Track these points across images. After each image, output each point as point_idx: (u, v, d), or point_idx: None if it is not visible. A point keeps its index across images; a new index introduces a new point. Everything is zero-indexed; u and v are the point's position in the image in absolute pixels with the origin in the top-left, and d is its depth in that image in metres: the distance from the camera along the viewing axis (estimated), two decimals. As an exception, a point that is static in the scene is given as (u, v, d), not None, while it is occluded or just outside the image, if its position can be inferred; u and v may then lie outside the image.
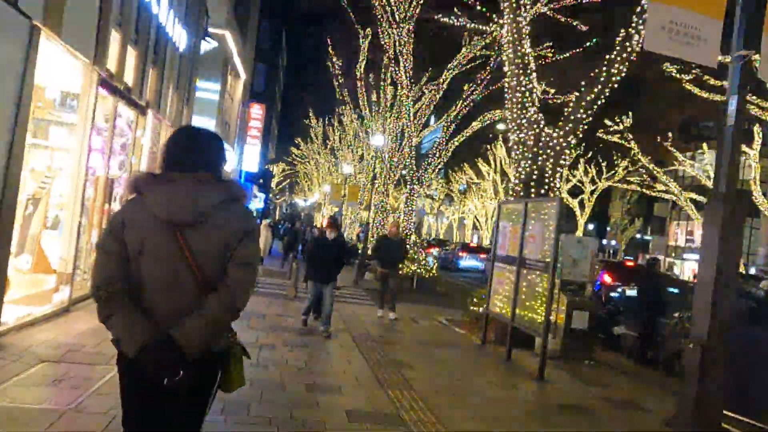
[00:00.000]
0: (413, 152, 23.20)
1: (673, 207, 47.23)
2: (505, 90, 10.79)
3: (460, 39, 21.64)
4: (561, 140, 10.02)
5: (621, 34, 9.72)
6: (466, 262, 34.15)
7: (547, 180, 10.04)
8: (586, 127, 10.09)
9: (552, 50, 17.48)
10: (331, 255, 9.19)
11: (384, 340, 9.17)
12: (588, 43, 17.54)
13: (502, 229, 9.77)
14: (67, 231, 8.20)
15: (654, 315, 9.74)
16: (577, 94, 10.07)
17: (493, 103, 24.46)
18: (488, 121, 23.98)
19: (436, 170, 24.84)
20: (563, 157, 10.12)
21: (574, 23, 16.12)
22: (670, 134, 25.62)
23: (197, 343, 2.25)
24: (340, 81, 28.66)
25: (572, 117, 9.99)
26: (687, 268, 46.52)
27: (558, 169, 10.14)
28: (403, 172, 27.74)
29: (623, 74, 9.77)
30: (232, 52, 21.84)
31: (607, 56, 9.82)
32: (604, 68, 9.78)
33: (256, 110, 29.55)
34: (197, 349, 2.26)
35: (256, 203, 46.44)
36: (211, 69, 19.40)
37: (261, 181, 53.36)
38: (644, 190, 32.27)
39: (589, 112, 9.95)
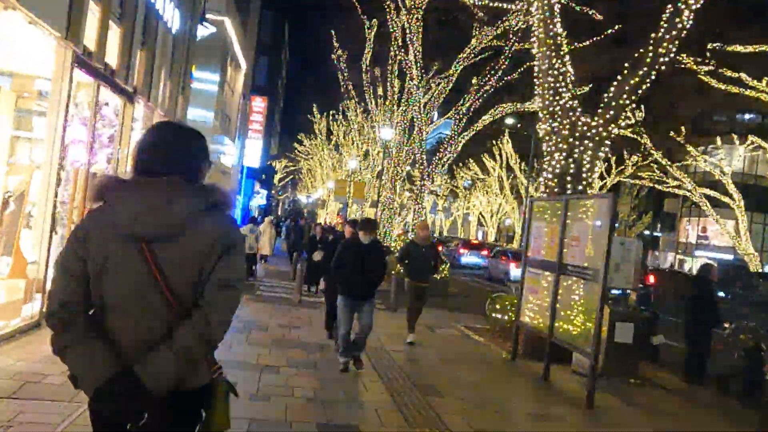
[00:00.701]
0: (423, 146, 22.07)
1: (684, 203, 46.09)
2: (535, 75, 9.66)
3: (469, 29, 20.66)
4: (600, 129, 8.89)
5: (668, 10, 8.61)
6: (467, 258, 34.31)
7: (584, 174, 8.92)
8: (629, 115, 8.95)
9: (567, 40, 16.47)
10: (369, 264, 6.97)
11: (403, 357, 8.05)
12: (610, 30, 16.61)
13: (535, 230, 8.65)
14: (38, 231, 7.11)
15: (707, 328, 8.62)
16: (619, 77, 8.93)
17: (505, 96, 23.53)
18: (499, 115, 22.89)
19: (445, 165, 23.74)
20: (602, 148, 9.00)
21: (590, 12, 15.11)
22: (683, 128, 24.69)
23: (165, 380, 1.93)
24: (345, 75, 27.67)
25: (613, 103, 8.85)
26: (698, 266, 45.16)
27: (596, 162, 9.03)
28: (408, 168, 26.74)
29: (672, 54, 8.65)
30: (232, 41, 20.70)
31: (653, 35, 8.69)
32: (650, 48, 8.65)
33: (258, 103, 28.38)
34: (165, 387, 1.93)
35: (258, 200, 45.44)
36: (209, 57, 18.28)
37: (263, 177, 52.42)
38: (656, 186, 31.20)
39: (633, 97, 8.82)
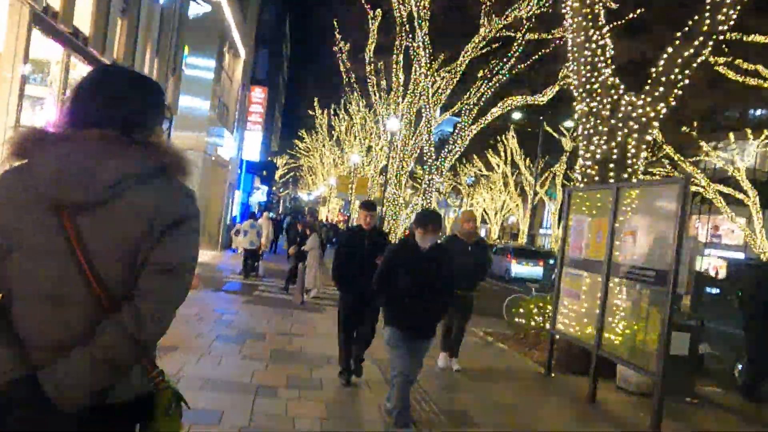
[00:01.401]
0: (431, 137, 21.00)
1: (693, 199, 44.96)
2: (569, 49, 8.51)
3: (477, 18, 19.67)
4: (648, 109, 7.74)
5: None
6: None
7: (629, 161, 7.78)
8: (680, 92, 7.80)
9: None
10: (434, 282, 4.56)
11: (424, 373, 6.85)
12: (631, 14, 15.61)
13: (575, 224, 7.49)
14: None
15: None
16: (670, 50, 7.77)
17: (513, 90, 22.66)
18: (508, 107, 21.93)
19: (453, 160, 22.68)
20: (650, 131, 7.85)
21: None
22: (695, 123, 23.70)
23: (76, 392, 1.51)
24: (348, 66, 26.68)
25: (663, 79, 7.69)
26: (708, 264, 44.10)
27: (643, 146, 7.88)
28: (412, 164, 25.79)
29: (732, 22, 7.50)
30: (230, 26, 19.53)
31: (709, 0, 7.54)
32: (707, 14, 7.49)
33: (258, 93, 27.19)
34: (77, 400, 1.51)
35: (259, 195, 44.35)
36: (205, 42, 17.10)
37: (264, 173, 51.47)
38: (667, 183, 30.02)
39: (687, 72, 7.66)
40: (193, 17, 13.59)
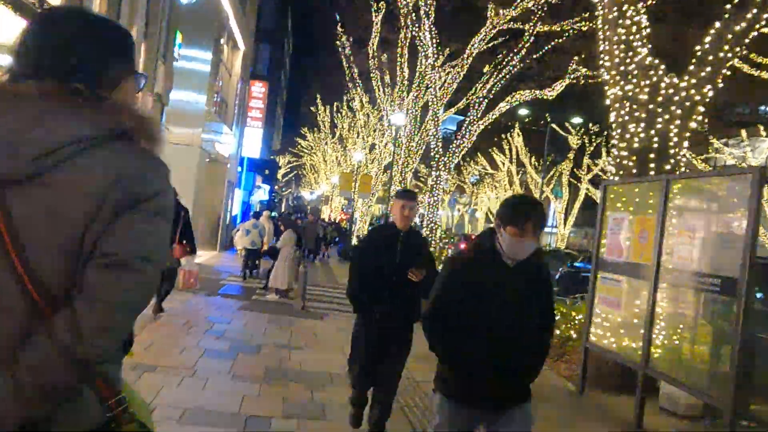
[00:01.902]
0: (437, 131, 20.19)
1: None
2: (599, 27, 7.64)
3: (484, 11, 18.88)
4: (692, 92, 6.86)
5: None
6: None
7: (672, 150, 6.90)
8: (728, 73, 6.92)
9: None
10: (526, 318, 2.60)
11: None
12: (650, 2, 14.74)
13: (612, 222, 6.60)
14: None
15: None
16: (717, 25, 6.88)
17: (521, 84, 21.92)
18: (516, 102, 21.18)
19: (460, 155, 21.86)
20: (694, 116, 6.97)
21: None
22: (706, 119, 22.83)
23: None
24: (351, 62, 25.90)
25: (710, 57, 6.81)
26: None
27: (686, 134, 7.00)
28: (417, 162, 25.06)
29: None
30: (228, 15, 18.67)
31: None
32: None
33: (258, 88, 26.31)
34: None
35: (261, 194, 43.54)
36: (201, 31, 16.24)
37: (267, 172, 50.72)
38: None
39: (737, 49, 6.78)
40: (187, 3, 12.74)
